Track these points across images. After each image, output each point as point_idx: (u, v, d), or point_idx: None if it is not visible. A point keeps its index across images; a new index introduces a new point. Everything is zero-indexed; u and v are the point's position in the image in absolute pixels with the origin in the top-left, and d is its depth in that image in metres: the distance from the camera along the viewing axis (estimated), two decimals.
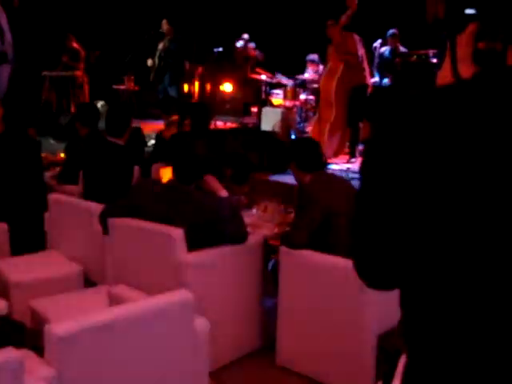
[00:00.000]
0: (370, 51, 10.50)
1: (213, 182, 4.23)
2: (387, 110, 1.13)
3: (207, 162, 3.89)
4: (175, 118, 6.95)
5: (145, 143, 8.41)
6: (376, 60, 10.58)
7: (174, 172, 3.85)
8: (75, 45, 12.46)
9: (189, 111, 6.25)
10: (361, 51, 8.09)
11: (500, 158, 1.02)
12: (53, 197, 4.84)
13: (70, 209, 4.66)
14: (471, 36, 1.19)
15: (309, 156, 4.13)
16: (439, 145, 1.04)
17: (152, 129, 10.04)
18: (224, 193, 4.06)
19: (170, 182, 3.91)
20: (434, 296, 1.11)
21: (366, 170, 1.15)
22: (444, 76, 1.24)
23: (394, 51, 10.41)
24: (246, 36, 12.45)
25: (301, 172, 4.13)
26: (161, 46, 11.19)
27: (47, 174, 6.30)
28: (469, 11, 1.15)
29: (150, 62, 11.47)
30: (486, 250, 1.04)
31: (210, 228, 3.71)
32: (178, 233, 3.63)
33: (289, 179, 7.06)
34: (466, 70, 1.19)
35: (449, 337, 1.11)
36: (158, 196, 3.82)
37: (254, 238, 4.07)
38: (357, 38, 8.07)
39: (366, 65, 8.20)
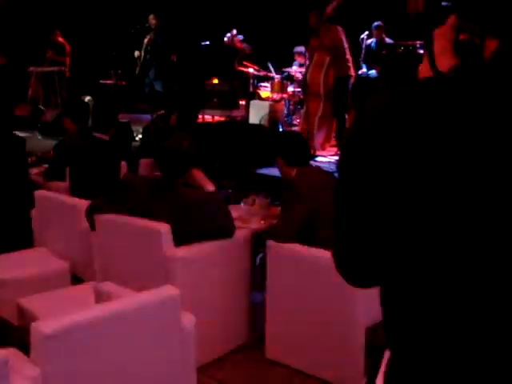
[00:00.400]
0: (357, 43, 10.50)
1: (199, 176, 4.21)
2: (367, 103, 1.12)
3: (193, 157, 3.87)
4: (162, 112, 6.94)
5: (132, 137, 8.40)
6: (363, 52, 10.58)
7: (160, 167, 3.83)
8: (60, 39, 12.41)
9: (175, 105, 6.24)
10: (345, 43, 8.08)
11: (479, 151, 1.01)
12: (39, 193, 4.82)
13: (57, 205, 4.64)
14: (451, 28, 1.18)
15: (295, 150, 4.13)
16: (417, 138, 1.03)
17: (140, 123, 10.02)
18: (211, 187, 4.04)
19: (155, 177, 3.90)
20: (414, 293, 1.10)
21: (345, 164, 1.14)
22: (424, 70, 1.23)
23: (379, 43, 10.42)
24: (234, 31, 12.41)
25: (286, 166, 4.13)
26: (146, 39, 11.15)
27: (34, 171, 6.28)
28: (444, 3, 1.15)
29: (136, 54, 11.43)
30: (465, 245, 1.03)
31: (197, 223, 3.70)
32: (164, 228, 3.62)
33: (276, 172, 7.06)
34: (444, 63, 1.19)
35: (429, 334, 1.10)
36: (143, 191, 3.80)
37: (242, 232, 4.06)
38: (340, 29, 8.06)
39: (349, 56, 8.20)
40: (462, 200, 1.01)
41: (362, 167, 1.08)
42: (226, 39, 12.37)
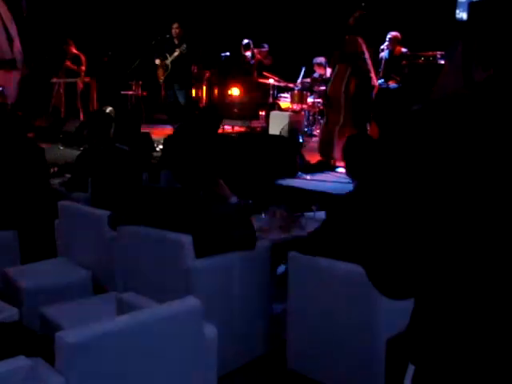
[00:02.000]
0: (378, 54, 10.51)
1: (222, 187, 4.24)
2: (404, 121, 1.14)
3: (214, 168, 3.89)
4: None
5: (153, 148, 8.45)
6: (381, 63, 10.58)
7: (181, 178, 3.86)
8: (74, 50, 12.51)
9: (197, 116, 6.28)
10: (366, 54, 8.08)
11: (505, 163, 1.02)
12: (62, 204, 4.87)
13: (79, 216, 4.69)
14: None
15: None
16: (455, 151, 1.04)
17: (161, 134, 10.09)
18: (233, 198, 4.07)
19: (177, 188, 3.93)
20: (448, 306, 1.11)
21: (379, 178, 1.15)
22: (446, 82, 1.24)
23: (392, 53, 10.41)
24: (246, 41, 12.45)
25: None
26: (177, 53, 11.17)
27: (57, 181, 6.34)
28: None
29: (158, 61, 11.44)
30: (501, 264, 1.03)
31: (219, 234, 3.72)
32: (186, 239, 3.64)
33: (296, 183, 7.08)
34: (478, 75, 1.20)
35: (460, 348, 1.11)
36: (165, 202, 3.83)
37: (263, 244, 4.07)
38: (362, 40, 8.07)
39: (371, 67, 8.20)
40: (500, 214, 1.02)
41: (400, 181, 1.09)
42: (246, 54, 12.40)
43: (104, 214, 4.40)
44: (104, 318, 2.76)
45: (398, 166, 1.10)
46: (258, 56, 12.34)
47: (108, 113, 8.23)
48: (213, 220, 3.70)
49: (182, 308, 2.73)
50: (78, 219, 4.70)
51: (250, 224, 3.90)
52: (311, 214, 5.17)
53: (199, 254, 3.70)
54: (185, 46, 11.05)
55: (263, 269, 4.08)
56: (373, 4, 8.39)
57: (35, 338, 3.83)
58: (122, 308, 3.27)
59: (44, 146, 10.31)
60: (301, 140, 7.59)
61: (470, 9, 1.21)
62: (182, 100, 10.85)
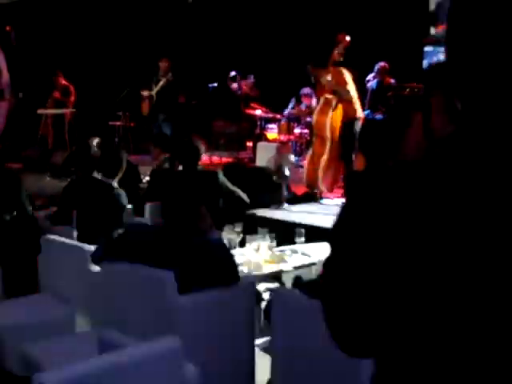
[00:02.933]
0: (363, 85, 10.60)
1: (205, 219, 4.23)
2: (366, 183, 1.14)
3: (195, 202, 3.89)
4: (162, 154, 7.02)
5: (139, 180, 8.41)
6: (368, 94, 10.68)
7: (163, 214, 3.86)
8: (63, 81, 12.56)
9: (177, 151, 6.29)
10: (352, 85, 8.13)
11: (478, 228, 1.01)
12: (45, 238, 4.84)
13: (62, 250, 4.66)
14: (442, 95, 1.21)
15: None
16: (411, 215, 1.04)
17: (148, 164, 10.07)
18: (216, 233, 4.06)
19: (159, 224, 3.92)
20: (411, 367, 1.09)
21: (339, 234, 1.14)
22: (415, 135, 1.24)
23: (381, 83, 10.51)
24: (233, 73, 12.55)
25: None
26: (162, 81, 11.22)
27: (41, 214, 6.31)
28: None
29: (145, 93, 11.48)
30: (468, 320, 1.02)
31: (201, 270, 3.71)
32: (168, 275, 3.62)
33: (281, 215, 7.07)
34: (439, 125, 1.20)
35: None
36: (147, 239, 3.82)
37: (246, 279, 4.06)
38: (347, 72, 8.12)
39: (357, 98, 8.25)
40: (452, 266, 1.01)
41: (363, 237, 1.08)
42: (232, 85, 12.49)
43: (88, 248, 4.38)
44: (84, 358, 2.74)
45: (357, 223, 1.10)
46: (245, 88, 12.41)
47: (91, 145, 8.19)
48: (195, 256, 3.69)
49: (162, 348, 2.71)
50: (62, 254, 4.66)
51: (233, 259, 3.89)
52: (296, 246, 5.17)
53: (182, 290, 3.68)
54: (170, 74, 11.12)
55: (247, 304, 4.05)
56: (357, 35, 8.48)
57: (14, 381, 3.78)
58: (103, 347, 3.25)
59: (31, 177, 10.37)
60: (287, 172, 7.59)
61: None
62: (167, 131, 10.87)
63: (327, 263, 1.15)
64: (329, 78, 8.01)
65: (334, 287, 1.13)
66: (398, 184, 1.06)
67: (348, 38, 7.94)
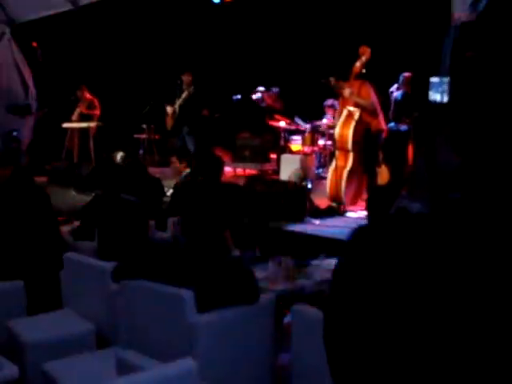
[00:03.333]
0: (387, 96, 10.54)
1: (227, 239, 4.24)
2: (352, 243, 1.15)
3: (219, 220, 3.89)
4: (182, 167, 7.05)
5: (163, 193, 8.44)
6: (392, 105, 10.61)
7: (183, 232, 3.86)
8: (88, 94, 12.69)
9: (200, 165, 6.29)
10: (374, 98, 8.10)
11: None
12: (67, 255, 4.87)
13: (84, 268, 4.68)
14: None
15: None
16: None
17: (172, 178, 10.11)
18: (236, 251, 4.06)
19: (179, 241, 3.92)
20: None
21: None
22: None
23: (406, 94, 10.43)
24: (261, 88, 12.57)
25: None
26: (184, 94, 11.27)
27: (65, 229, 6.36)
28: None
29: (169, 109, 11.54)
30: None
31: (221, 288, 3.70)
32: (187, 294, 3.62)
33: (303, 229, 7.04)
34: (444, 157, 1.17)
35: None
36: (168, 256, 3.82)
37: (266, 297, 4.04)
38: (369, 84, 8.09)
39: (379, 111, 8.21)
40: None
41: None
42: (254, 97, 12.51)
43: (108, 266, 4.39)
44: (102, 378, 2.75)
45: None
46: (268, 100, 12.42)
47: (115, 158, 8.27)
48: (214, 274, 3.68)
49: (178, 371, 2.70)
50: (83, 271, 4.69)
51: (253, 277, 3.87)
52: (318, 262, 5.14)
53: (201, 308, 3.67)
54: (192, 87, 11.16)
55: (267, 322, 4.03)
56: (379, 47, 8.44)
57: None
58: (122, 367, 3.26)
59: (56, 190, 10.46)
60: (309, 185, 7.58)
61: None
62: (191, 146, 10.89)
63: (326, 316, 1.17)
64: (350, 91, 7.98)
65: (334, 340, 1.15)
66: (398, 247, 1.06)
67: (369, 51, 7.91)
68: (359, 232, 1.15)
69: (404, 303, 1.02)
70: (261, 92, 12.35)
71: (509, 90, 0.99)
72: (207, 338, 3.67)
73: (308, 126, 11.14)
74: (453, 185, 1.10)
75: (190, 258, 3.76)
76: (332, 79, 8.30)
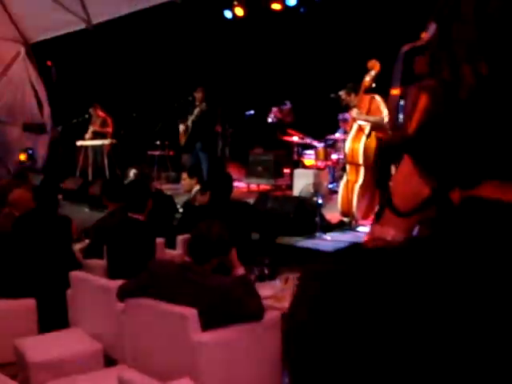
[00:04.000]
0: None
1: (231, 259, 4.23)
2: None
3: (221, 244, 3.89)
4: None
5: (175, 211, 8.45)
6: None
7: (189, 252, 3.86)
8: (101, 112, 12.79)
9: (210, 182, 6.29)
10: (385, 112, 8.06)
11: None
12: (74, 274, 4.88)
13: (91, 287, 4.69)
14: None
15: None
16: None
17: (183, 194, 10.12)
18: (241, 270, 4.04)
19: (184, 262, 3.92)
20: None
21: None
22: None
23: None
24: (274, 109, 12.61)
25: None
26: (197, 110, 11.29)
27: (77, 247, 6.38)
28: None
29: (181, 128, 11.56)
30: None
31: (224, 308, 3.68)
32: (191, 313, 3.61)
33: (314, 244, 7.02)
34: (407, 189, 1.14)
35: None
36: (172, 276, 3.82)
37: (271, 314, 4.01)
38: (380, 99, 8.06)
39: (389, 125, 8.17)
40: None
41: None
42: (270, 120, 12.55)
43: (114, 285, 4.39)
44: None
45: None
46: (279, 115, 12.43)
47: (129, 175, 8.28)
48: (218, 294, 3.66)
49: None
50: (89, 290, 4.69)
51: (256, 296, 3.85)
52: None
53: (205, 326, 3.65)
54: (204, 104, 11.18)
55: (272, 340, 4.00)
56: (389, 60, 8.41)
57: None
58: None
59: (70, 208, 10.52)
60: (320, 200, 7.55)
61: None
62: (204, 163, 10.90)
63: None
64: (358, 111, 7.97)
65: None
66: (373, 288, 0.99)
67: (379, 64, 7.89)
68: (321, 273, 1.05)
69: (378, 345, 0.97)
70: (273, 112, 12.40)
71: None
72: (211, 356, 3.65)
73: (321, 145, 11.11)
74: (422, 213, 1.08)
75: (195, 278, 3.75)
76: (342, 93, 8.28)
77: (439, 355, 0.91)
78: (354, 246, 1.07)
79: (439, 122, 1.01)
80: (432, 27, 0.86)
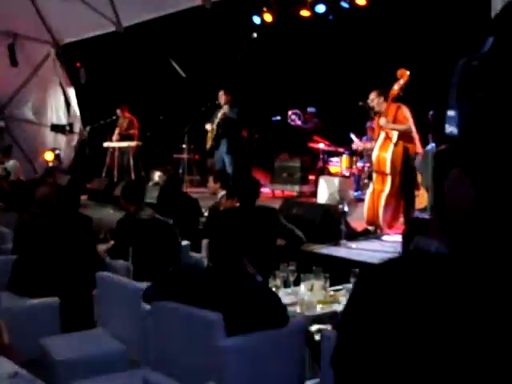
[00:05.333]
0: (427, 119, 10.46)
1: (246, 267, 4.23)
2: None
3: (241, 248, 3.88)
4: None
5: (201, 214, 8.46)
6: (432, 128, 10.52)
7: (210, 257, 3.87)
8: (127, 114, 12.86)
9: (236, 187, 6.29)
10: (411, 120, 8.02)
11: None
12: (100, 275, 4.91)
13: (116, 287, 4.71)
14: None
15: None
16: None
17: (209, 198, 10.13)
18: (258, 277, 4.04)
19: (209, 266, 3.92)
20: None
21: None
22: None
23: None
24: (291, 115, 12.64)
25: None
26: (220, 113, 11.30)
27: (102, 248, 6.41)
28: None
29: (208, 127, 11.54)
30: None
31: (249, 313, 3.68)
32: (216, 317, 3.61)
33: (339, 252, 6.99)
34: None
35: None
36: (198, 279, 3.82)
37: (296, 320, 4.00)
38: (406, 107, 8.02)
39: (415, 133, 8.12)
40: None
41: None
42: (292, 122, 12.57)
43: (140, 287, 4.41)
44: None
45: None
46: (297, 121, 12.46)
47: (141, 183, 8.33)
48: (243, 298, 3.66)
49: None
50: (115, 291, 4.72)
51: (280, 301, 3.84)
52: (351, 286, 5.08)
53: (230, 332, 3.65)
54: (227, 106, 11.17)
55: (296, 347, 3.99)
56: (418, 69, 8.38)
57: None
58: None
59: (95, 208, 10.59)
60: (346, 208, 7.53)
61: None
62: (229, 167, 10.90)
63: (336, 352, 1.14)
64: (386, 120, 7.93)
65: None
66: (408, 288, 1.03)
67: (408, 74, 7.85)
68: (374, 271, 1.12)
69: (416, 346, 1.00)
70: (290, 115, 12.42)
71: None
72: (236, 361, 3.65)
73: (359, 143, 10.98)
74: (470, 223, 1.07)
75: (219, 282, 3.75)
76: (373, 93, 8.23)
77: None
78: (412, 252, 1.11)
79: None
80: (489, 41, 0.91)
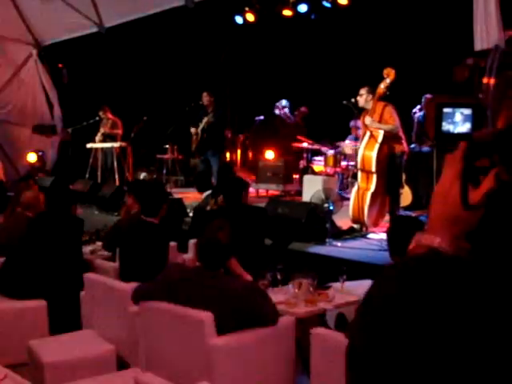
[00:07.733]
0: (410, 117, 10.52)
1: (236, 266, 4.24)
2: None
3: (228, 248, 3.88)
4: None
5: (185, 214, 8.46)
6: (414, 126, 10.58)
7: (199, 257, 3.87)
8: (110, 115, 12.80)
9: (222, 188, 6.29)
10: (397, 120, 8.06)
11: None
12: (88, 276, 4.89)
13: (104, 289, 4.70)
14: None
15: None
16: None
17: (196, 198, 10.11)
18: (248, 277, 4.05)
19: (198, 266, 3.92)
20: None
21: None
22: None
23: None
24: (283, 102, 12.63)
25: None
26: (205, 120, 11.29)
27: (88, 249, 6.40)
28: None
29: (193, 130, 11.53)
30: None
31: (239, 313, 3.69)
32: (206, 317, 3.61)
33: (324, 251, 7.00)
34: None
35: None
36: (186, 280, 3.82)
37: (285, 319, 4.02)
38: (392, 107, 8.06)
39: (401, 133, 8.17)
40: None
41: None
42: (277, 111, 12.57)
43: (128, 287, 4.40)
44: None
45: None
46: (288, 120, 12.47)
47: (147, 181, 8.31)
48: (233, 298, 3.67)
49: None
50: (103, 292, 4.70)
51: (269, 301, 3.86)
52: (339, 284, 5.09)
53: (220, 331, 3.66)
54: (211, 115, 11.18)
55: (286, 345, 4.01)
56: (402, 67, 8.41)
57: None
58: None
59: (80, 209, 10.51)
60: (331, 207, 7.54)
61: None
62: (215, 166, 10.89)
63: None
64: (371, 119, 7.97)
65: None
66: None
67: (394, 72, 7.88)
68: (393, 272, 1.08)
69: (435, 348, 0.98)
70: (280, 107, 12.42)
71: None
72: (226, 360, 3.66)
73: (331, 151, 11.11)
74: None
75: (208, 282, 3.76)
76: (363, 90, 8.25)
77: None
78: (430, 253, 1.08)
79: None
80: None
